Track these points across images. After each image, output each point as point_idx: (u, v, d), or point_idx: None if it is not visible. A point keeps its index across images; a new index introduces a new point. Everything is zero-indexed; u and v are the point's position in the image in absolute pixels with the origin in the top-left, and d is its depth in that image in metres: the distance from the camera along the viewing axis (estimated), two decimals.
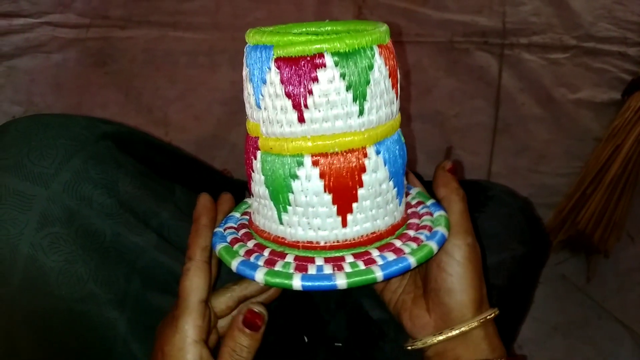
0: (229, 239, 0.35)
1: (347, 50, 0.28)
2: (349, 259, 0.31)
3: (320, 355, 0.47)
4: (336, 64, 0.28)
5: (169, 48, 1.00)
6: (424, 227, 0.34)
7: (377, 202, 0.32)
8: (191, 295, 0.33)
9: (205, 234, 0.35)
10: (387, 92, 0.30)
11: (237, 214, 0.39)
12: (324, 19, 1.04)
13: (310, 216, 0.31)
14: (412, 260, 0.30)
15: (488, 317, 0.34)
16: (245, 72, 0.32)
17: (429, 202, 0.37)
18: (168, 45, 1.00)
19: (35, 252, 0.35)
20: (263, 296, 0.38)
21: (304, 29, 0.35)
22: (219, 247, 0.33)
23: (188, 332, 0.32)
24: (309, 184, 0.30)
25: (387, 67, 0.30)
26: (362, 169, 0.30)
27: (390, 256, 0.31)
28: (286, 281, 0.29)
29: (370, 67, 0.29)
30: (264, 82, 0.29)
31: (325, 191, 0.30)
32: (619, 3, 1.02)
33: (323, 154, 0.29)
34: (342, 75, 0.28)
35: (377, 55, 0.29)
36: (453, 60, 0.98)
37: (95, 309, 0.36)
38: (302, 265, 0.31)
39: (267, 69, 0.29)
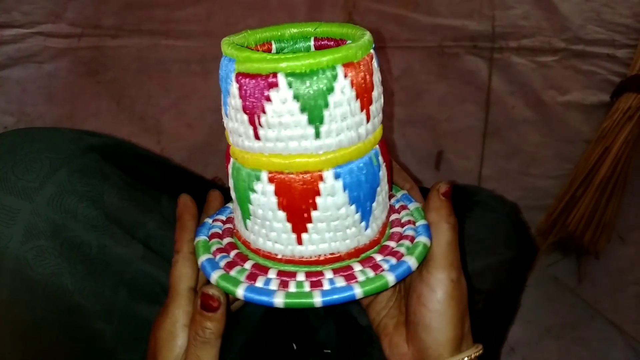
0: (222, 263, 0.34)
1: (303, 71, 0.27)
2: (300, 277, 0.31)
3: None
4: (290, 85, 0.27)
5: (161, 56, 1.01)
6: (395, 253, 0.32)
7: (335, 225, 0.30)
8: (180, 284, 0.34)
9: (190, 228, 0.36)
10: (351, 115, 0.28)
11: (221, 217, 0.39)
12: None
13: (267, 229, 0.31)
14: (357, 291, 0.29)
15: (467, 357, 0.33)
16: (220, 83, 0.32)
17: (419, 224, 0.35)
18: (160, 53, 1.01)
19: (21, 266, 0.35)
20: None
21: (297, 30, 0.35)
22: (215, 275, 0.32)
23: (178, 317, 0.33)
24: (264, 199, 0.30)
25: (354, 87, 0.28)
26: (317, 193, 0.29)
27: (340, 282, 0.30)
28: (233, 288, 0.30)
29: (330, 89, 0.27)
30: (228, 93, 0.29)
31: (279, 208, 0.30)
32: (606, 6, 1.03)
33: (279, 172, 0.29)
34: (296, 97, 0.27)
35: (340, 76, 0.27)
36: (443, 65, 0.99)
37: (83, 321, 0.37)
38: (254, 274, 0.31)
39: (230, 82, 0.29)
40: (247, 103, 0.28)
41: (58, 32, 1.02)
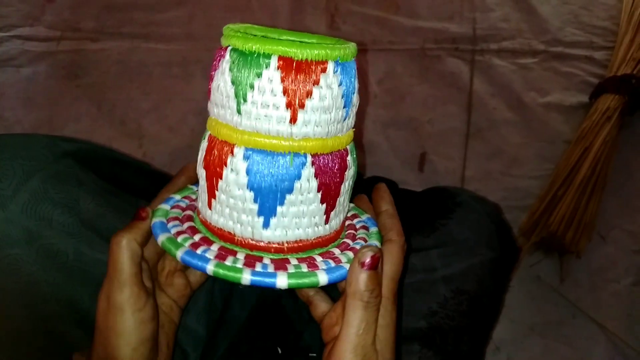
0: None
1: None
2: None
3: None
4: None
5: (142, 59, 1.00)
6: (334, 258, 0.33)
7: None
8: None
9: (177, 185, 0.38)
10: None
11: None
12: (297, 28, 1.04)
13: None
14: (282, 281, 0.30)
15: None
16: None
17: (370, 242, 0.36)
18: (141, 56, 1.00)
19: None
20: None
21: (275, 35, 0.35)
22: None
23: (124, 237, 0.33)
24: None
25: (283, 84, 0.30)
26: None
27: (271, 268, 0.31)
28: (174, 251, 0.31)
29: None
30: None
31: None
32: (584, 8, 1.05)
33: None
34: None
35: (273, 66, 0.30)
36: (425, 67, 0.99)
37: (61, 328, 0.36)
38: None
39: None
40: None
41: (36, 36, 1.01)
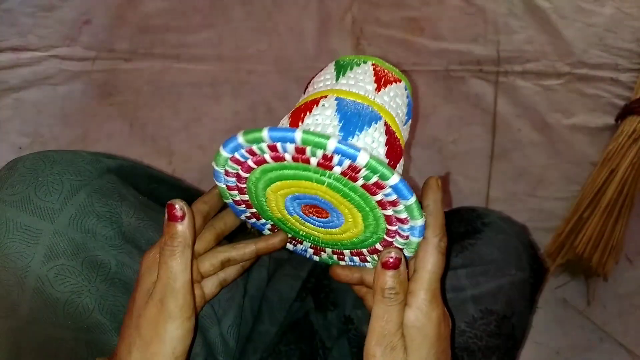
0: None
1: None
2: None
3: None
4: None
5: (173, 79, 1.03)
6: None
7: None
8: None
9: (213, 196, 0.40)
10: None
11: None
12: (323, 50, 1.05)
13: None
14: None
15: None
16: None
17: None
18: (172, 76, 1.03)
19: (42, 284, 0.36)
20: (244, 260, 0.41)
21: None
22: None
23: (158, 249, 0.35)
24: None
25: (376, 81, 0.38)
26: None
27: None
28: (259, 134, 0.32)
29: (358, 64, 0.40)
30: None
31: None
32: (610, 31, 1.05)
33: None
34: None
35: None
36: (449, 88, 1.00)
37: (102, 338, 0.37)
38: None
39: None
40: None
41: (73, 56, 1.05)
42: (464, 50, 1.04)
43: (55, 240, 0.37)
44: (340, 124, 0.34)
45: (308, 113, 0.35)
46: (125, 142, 0.95)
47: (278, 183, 0.34)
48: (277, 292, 0.50)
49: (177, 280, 0.33)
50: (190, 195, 0.56)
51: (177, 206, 0.34)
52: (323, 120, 0.35)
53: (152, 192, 0.48)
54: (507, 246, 0.50)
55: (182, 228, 0.34)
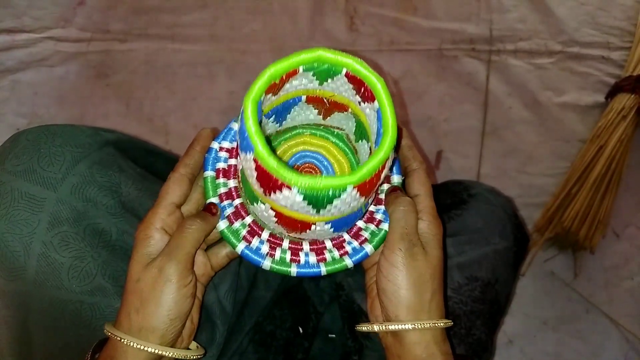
0: (227, 211, 0.39)
1: (317, 190, 0.31)
2: (285, 244, 0.40)
3: (315, 346, 0.50)
4: (300, 192, 0.31)
5: (168, 60, 1.04)
6: (359, 236, 0.40)
7: (322, 233, 0.38)
8: (165, 197, 0.38)
9: (193, 156, 0.39)
10: (352, 203, 0.33)
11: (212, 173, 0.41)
12: (317, 29, 1.05)
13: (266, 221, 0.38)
14: (323, 270, 0.39)
15: (418, 324, 0.36)
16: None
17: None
18: (167, 57, 1.04)
19: (47, 250, 0.38)
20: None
21: (312, 59, 0.36)
22: (221, 225, 0.39)
23: (154, 221, 0.37)
24: (266, 214, 0.36)
25: (359, 192, 0.32)
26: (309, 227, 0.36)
27: (312, 259, 0.39)
28: (286, 269, 0.38)
29: (337, 196, 0.32)
30: (246, 157, 0.33)
31: (277, 223, 0.37)
32: (601, 9, 1.06)
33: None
34: (306, 198, 0.32)
35: (349, 190, 0.32)
36: (442, 67, 1.02)
37: (104, 301, 0.39)
38: (295, 251, 0.39)
39: (250, 159, 0.32)
40: (262, 183, 0.32)
41: (68, 37, 1.06)
42: (457, 29, 1.04)
43: (58, 208, 0.38)
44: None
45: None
46: (121, 122, 0.97)
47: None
48: None
49: (182, 250, 0.35)
50: None
51: (215, 209, 0.39)
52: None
53: (149, 165, 0.49)
54: (491, 216, 0.52)
55: (208, 221, 0.37)
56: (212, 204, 0.39)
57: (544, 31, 1.05)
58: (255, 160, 0.32)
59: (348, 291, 0.50)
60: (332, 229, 0.37)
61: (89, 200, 0.40)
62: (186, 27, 1.07)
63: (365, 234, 0.40)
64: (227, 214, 0.39)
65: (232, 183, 0.40)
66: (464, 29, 1.05)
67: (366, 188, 0.33)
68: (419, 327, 0.36)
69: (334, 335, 0.50)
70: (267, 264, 0.38)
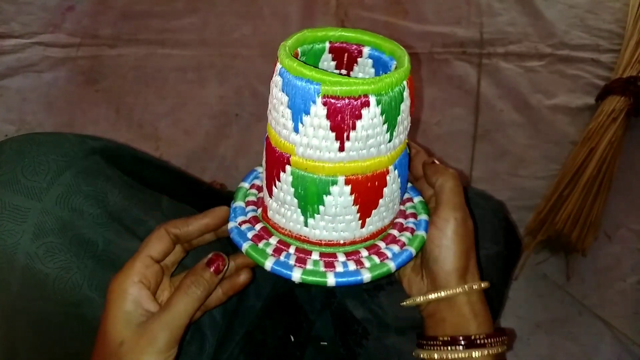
0: (249, 234, 0.38)
1: (387, 90, 0.31)
2: (341, 257, 0.38)
3: (307, 354, 0.49)
4: (378, 103, 0.31)
5: (158, 65, 1.03)
6: (397, 241, 0.39)
7: (389, 206, 0.38)
8: (145, 249, 0.37)
9: (191, 224, 0.39)
10: (407, 119, 0.35)
11: (241, 204, 0.42)
12: None
13: (336, 222, 0.36)
14: (366, 276, 0.36)
15: (468, 286, 0.38)
16: (281, 96, 0.33)
17: (421, 218, 0.41)
18: (157, 62, 1.03)
19: (32, 261, 0.37)
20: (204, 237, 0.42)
21: (331, 34, 0.38)
22: (245, 245, 0.37)
23: (132, 274, 0.36)
24: (340, 199, 0.35)
25: (410, 98, 0.34)
26: (385, 184, 0.35)
27: (351, 266, 0.37)
28: (320, 279, 0.35)
29: (402, 100, 0.32)
30: (307, 113, 0.31)
31: (353, 204, 0.35)
32: (591, 12, 1.07)
33: (355, 174, 0.34)
34: (382, 113, 0.32)
35: (406, 91, 0.33)
36: (433, 71, 1.02)
37: (91, 312, 0.39)
38: (329, 262, 0.36)
39: (312, 103, 0.31)
40: (337, 122, 0.31)
41: (57, 42, 1.05)
42: (447, 33, 1.05)
43: (43, 218, 0.38)
44: (399, 192, 0.39)
45: (380, 199, 0.36)
46: (111, 127, 0.96)
47: None
48: (262, 268, 0.52)
49: (177, 321, 0.35)
50: (175, 176, 0.57)
51: (223, 257, 0.37)
52: (393, 202, 0.38)
53: (136, 173, 0.48)
54: (483, 221, 0.51)
55: (214, 280, 0.37)
56: (220, 256, 0.37)
57: (534, 34, 1.05)
58: (324, 103, 0.30)
59: (340, 298, 0.49)
60: (399, 178, 0.36)
61: (74, 210, 0.39)
62: (176, 32, 1.06)
63: (402, 239, 0.39)
64: (251, 237, 0.38)
65: (274, 240, 0.39)
66: (454, 33, 1.05)
67: (412, 91, 0.34)
68: (468, 289, 0.38)
69: (325, 343, 0.50)
70: (296, 275, 0.35)
